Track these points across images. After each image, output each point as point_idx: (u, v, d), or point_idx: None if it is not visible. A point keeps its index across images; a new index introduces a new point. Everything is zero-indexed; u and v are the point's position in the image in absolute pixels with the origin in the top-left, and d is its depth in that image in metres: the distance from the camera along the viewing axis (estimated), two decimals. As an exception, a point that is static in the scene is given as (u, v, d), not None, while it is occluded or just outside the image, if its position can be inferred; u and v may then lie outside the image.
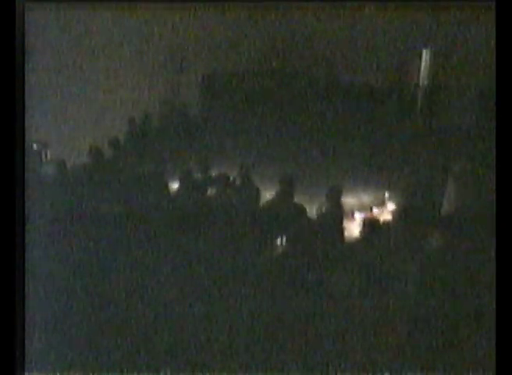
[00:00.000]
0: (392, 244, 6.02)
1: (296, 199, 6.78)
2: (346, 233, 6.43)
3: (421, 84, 7.56)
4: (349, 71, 7.51)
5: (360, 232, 6.10)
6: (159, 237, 6.16)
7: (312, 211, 6.49)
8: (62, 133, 7.45)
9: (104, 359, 5.79)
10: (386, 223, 6.43)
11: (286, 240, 6.30)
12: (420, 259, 5.85)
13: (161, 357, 5.77)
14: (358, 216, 6.92)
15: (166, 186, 6.92)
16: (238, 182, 6.99)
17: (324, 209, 6.47)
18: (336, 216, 6.49)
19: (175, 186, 6.95)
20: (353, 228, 6.59)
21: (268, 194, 6.97)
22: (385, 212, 6.97)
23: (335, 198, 6.53)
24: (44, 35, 6.81)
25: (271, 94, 7.47)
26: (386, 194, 7.15)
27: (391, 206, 7.02)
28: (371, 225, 6.06)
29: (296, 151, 7.39)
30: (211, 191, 6.87)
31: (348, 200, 6.79)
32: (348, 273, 5.84)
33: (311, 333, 5.76)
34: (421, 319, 5.69)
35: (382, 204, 7.13)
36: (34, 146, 7.30)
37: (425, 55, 7.50)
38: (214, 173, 7.03)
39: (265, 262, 6.07)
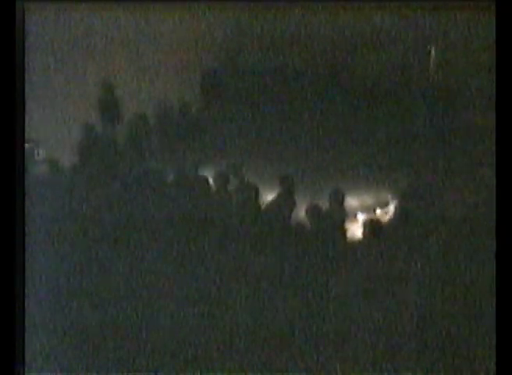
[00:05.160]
0: (395, 245, 6.00)
1: (297, 200, 6.77)
2: (348, 234, 6.41)
3: (421, 84, 7.55)
4: (349, 71, 7.50)
5: (363, 233, 6.09)
6: (159, 237, 6.16)
7: (313, 211, 6.47)
8: (61, 132, 7.44)
9: (104, 359, 5.79)
10: (389, 224, 6.41)
11: (287, 240, 6.28)
12: (423, 261, 5.85)
13: (161, 357, 5.77)
14: (361, 217, 6.89)
15: (165, 186, 6.91)
16: (238, 182, 6.98)
17: (326, 210, 6.44)
18: (338, 217, 6.47)
19: (174, 186, 6.93)
20: (356, 229, 6.57)
21: (268, 194, 6.96)
22: (388, 214, 6.95)
23: (338, 200, 6.50)
24: (44, 35, 6.81)
25: (271, 94, 7.47)
26: (389, 195, 7.13)
27: (393, 207, 6.99)
28: (373, 226, 6.04)
29: (296, 151, 7.38)
30: (210, 191, 6.86)
31: (350, 201, 6.78)
32: (350, 274, 5.83)
33: (312, 334, 5.76)
34: (422, 320, 5.69)
35: (384, 205, 7.11)
36: (33, 146, 7.29)
37: (425, 55, 7.49)
38: (213, 172, 7.03)
39: (266, 263, 6.06)
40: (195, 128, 7.64)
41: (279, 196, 6.82)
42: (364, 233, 6.10)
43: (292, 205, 6.76)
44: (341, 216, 6.51)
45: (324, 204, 6.50)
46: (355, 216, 6.94)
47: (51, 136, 7.40)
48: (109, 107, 7.57)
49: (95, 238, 6.14)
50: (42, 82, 7.03)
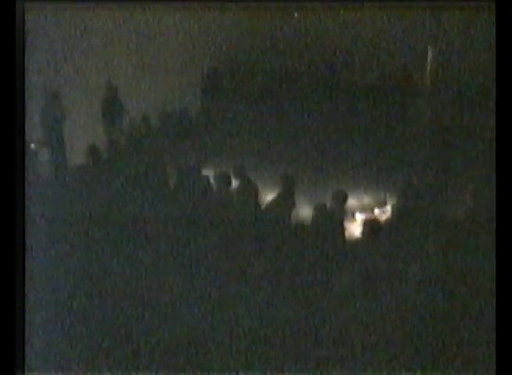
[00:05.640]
0: (393, 244, 6.01)
1: (297, 199, 6.77)
2: (347, 234, 6.42)
3: (421, 84, 7.56)
4: (349, 71, 7.51)
5: (361, 233, 6.10)
6: (159, 237, 6.16)
7: (313, 211, 6.48)
8: (61, 132, 7.45)
9: (104, 359, 5.79)
10: (387, 224, 6.42)
11: (287, 240, 6.29)
12: (420, 260, 5.86)
13: (161, 357, 5.77)
14: (359, 217, 6.90)
15: (166, 186, 6.91)
16: (238, 182, 6.98)
17: (326, 210, 6.45)
18: (338, 216, 6.48)
19: (175, 185, 6.94)
20: (354, 229, 6.58)
21: (268, 194, 6.97)
22: (387, 213, 6.96)
23: (338, 200, 6.51)
24: (44, 35, 6.81)
25: (272, 94, 7.47)
26: (388, 195, 7.14)
27: (392, 207, 7.01)
28: (371, 226, 6.05)
29: (297, 151, 7.39)
30: (211, 191, 6.87)
31: (349, 201, 6.80)
32: (349, 274, 5.84)
33: (312, 333, 5.76)
34: (421, 320, 5.69)
35: (383, 205, 7.12)
36: (34, 146, 7.30)
37: (425, 54, 7.50)
38: (214, 172, 7.03)
39: (266, 263, 6.06)
40: (196, 128, 7.65)
41: (279, 196, 6.82)
42: (362, 233, 6.11)
43: (292, 205, 6.77)
44: (340, 216, 6.52)
45: (324, 204, 6.51)
46: (354, 215, 6.96)
47: (51, 136, 7.40)
48: (109, 107, 7.58)
49: (96, 238, 6.14)
50: (42, 82, 7.04)
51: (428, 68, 7.53)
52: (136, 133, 7.50)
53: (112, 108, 7.56)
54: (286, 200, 6.77)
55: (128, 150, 7.31)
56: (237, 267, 6.00)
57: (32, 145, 7.17)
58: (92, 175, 6.84)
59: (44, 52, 6.90)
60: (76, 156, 7.13)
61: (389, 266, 5.81)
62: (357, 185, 7.17)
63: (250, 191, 6.90)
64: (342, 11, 6.87)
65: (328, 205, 6.49)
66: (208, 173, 7.06)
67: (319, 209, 6.41)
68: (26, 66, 5.74)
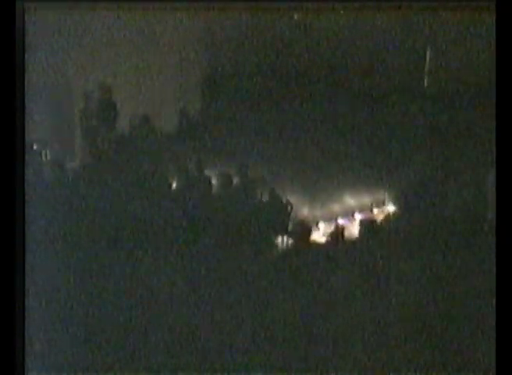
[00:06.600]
0: (392, 244, 6.02)
1: (297, 199, 6.77)
2: (346, 234, 6.42)
3: (420, 84, 7.55)
4: (349, 71, 7.50)
5: (360, 232, 6.10)
6: (159, 238, 6.16)
7: (312, 211, 6.48)
8: (62, 133, 7.44)
9: (104, 359, 5.78)
10: (386, 224, 6.42)
11: (286, 240, 6.29)
12: (420, 260, 5.85)
13: (161, 357, 5.77)
14: (358, 217, 6.89)
15: (166, 186, 6.91)
16: (239, 182, 6.98)
17: (324, 209, 6.45)
18: (337, 216, 6.48)
19: (175, 186, 6.94)
20: (353, 228, 6.57)
21: (268, 194, 6.96)
22: (385, 213, 6.95)
23: (337, 200, 6.51)
24: (44, 35, 6.81)
25: (271, 94, 7.46)
26: (386, 195, 7.13)
27: (391, 207, 7.00)
28: (370, 225, 6.06)
29: (297, 151, 7.38)
30: (211, 191, 6.87)
31: (349, 200, 6.79)
32: (348, 274, 5.84)
33: (312, 334, 5.76)
34: (421, 320, 5.69)
35: (381, 204, 7.11)
36: (34, 146, 7.29)
37: (425, 55, 7.49)
38: (214, 173, 7.03)
39: (265, 262, 6.06)
40: (196, 129, 7.64)
41: (278, 196, 6.82)
42: (362, 233, 6.12)
43: (291, 205, 6.77)
44: (339, 216, 6.52)
45: (323, 203, 6.51)
46: (353, 214, 6.95)
47: (51, 136, 7.40)
48: (110, 107, 7.57)
49: (96, 238, 6.14)
50: (42, 82, 7.03)
51: (428, 68, 7.53)
52: (137, 134, 7.49)
53: (111, 108, 7.55)
54: (286, 200, 6.77)
55: (128, 150, 7.31)
56: (237, 267, 6.00)
57: (33, 145, 7.16)
58: (92, 175, 6.84)
59: (44, 52, 6.89)
60: (76, 157, 7.12)
61: (389, 266, 5.81)
62: (358, 185, 7.16)
63: (250, 191, 6.90)
64: (342, 11, 6.86)
65: (326, 204, 6.49)
66: (209, 173, 7.06)
67: (317, 209, 6.41)
68: (26, 66, 5.74)
